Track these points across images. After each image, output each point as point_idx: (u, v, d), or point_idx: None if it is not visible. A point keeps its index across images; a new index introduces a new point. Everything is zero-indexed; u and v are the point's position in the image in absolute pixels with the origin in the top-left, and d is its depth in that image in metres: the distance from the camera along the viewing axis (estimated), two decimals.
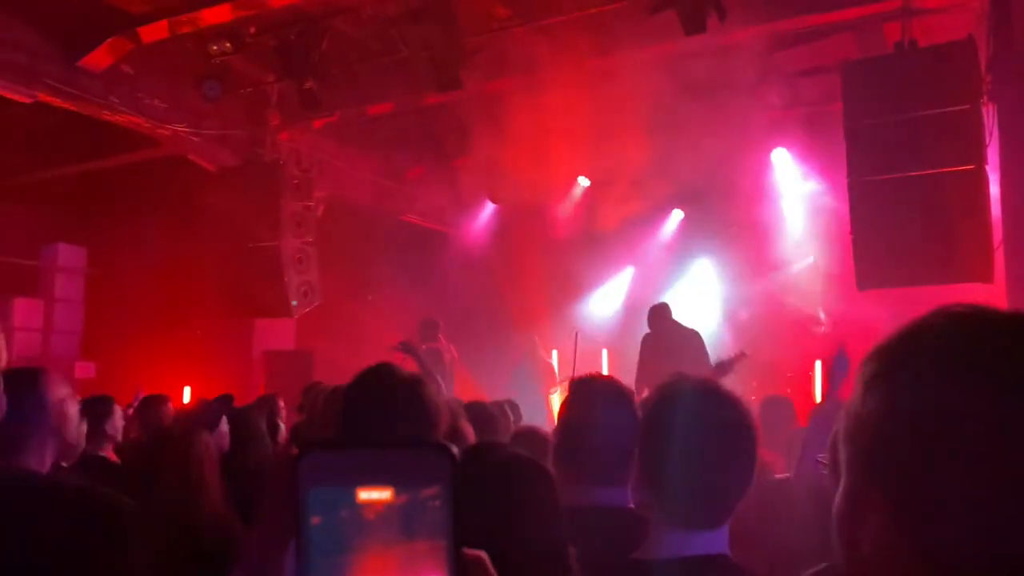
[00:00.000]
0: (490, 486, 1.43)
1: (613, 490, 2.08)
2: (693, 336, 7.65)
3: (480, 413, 3.51)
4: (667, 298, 9.93)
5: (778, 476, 3.32)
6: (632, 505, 2.07)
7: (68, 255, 10.89)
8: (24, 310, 10.31)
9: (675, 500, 1.64)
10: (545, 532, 1.45)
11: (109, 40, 7.05)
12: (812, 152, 9.13)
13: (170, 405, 5.21)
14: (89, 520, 1.35)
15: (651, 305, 7.96)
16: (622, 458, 2.00)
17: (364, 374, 2.11)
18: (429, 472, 0.65)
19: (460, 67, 7.20)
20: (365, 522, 0.64)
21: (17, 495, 1.36)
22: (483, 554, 0.75)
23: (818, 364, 8.75)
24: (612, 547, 1.72)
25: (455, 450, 0.66)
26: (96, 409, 3.67)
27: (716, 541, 1.63)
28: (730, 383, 7.61)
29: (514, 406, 5.25)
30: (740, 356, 7.69)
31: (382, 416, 1.98)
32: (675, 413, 1.69)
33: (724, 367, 7.56)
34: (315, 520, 0.65)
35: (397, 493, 0.64)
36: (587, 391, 2.27)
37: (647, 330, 7.81)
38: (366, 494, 0.64)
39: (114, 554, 1.34)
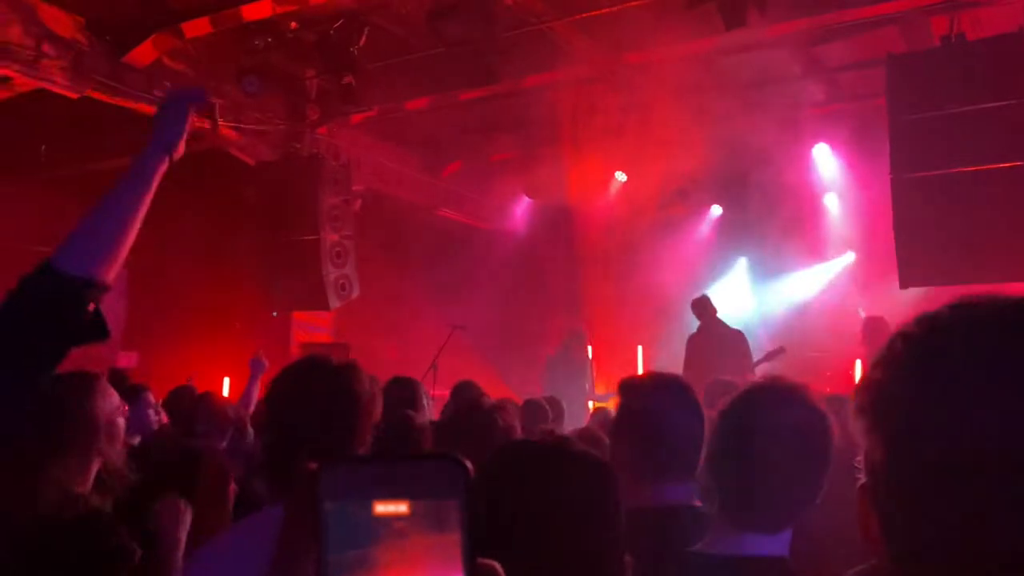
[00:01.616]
0: (530, 481, 1.40)
1: (679, 487, 2.06)
2: (738, 337, 7.85)
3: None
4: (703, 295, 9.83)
5: None
6: (699, 502, 2.06)
7: None
8: None
9: (740, 503, 1.63)
10: (595, 531, 1.41)
11: (153, 36, 7.17)
12: (854, 148, 8.98)
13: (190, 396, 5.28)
14: None
15: (694, 298, 8.16)
16: (689, 454, 2.00)
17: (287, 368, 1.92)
18: (445, 485, 0.66)
19: (497, 62, 7.20)
20: (382, 535, 0.66)
21: None
22: (496, 565, 0.76)
23: (858, 363, 8.61)
24: (676, 544, 1.71)
25: (470, 464, 0.67)
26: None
27: (776, 544, 1.61)
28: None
29: (554, 402, 5.23)
30: (779, 351, 7.78)
31: (299, 411, 1.80)
32: (751, 415, 1.66)
33: (762, 361, 7.68)
34: (334, 533, 0.66)
35: (413, 506, 0.66)
36: (649, 387, 2.21)
37: (692, 324, 7.97)
38: (383, 507, 0.65)
39: None
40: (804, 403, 1.66)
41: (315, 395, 1.79)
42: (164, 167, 1.59)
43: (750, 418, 1.66)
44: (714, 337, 7.81)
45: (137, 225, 1.52)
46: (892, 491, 0.77)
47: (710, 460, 1.72)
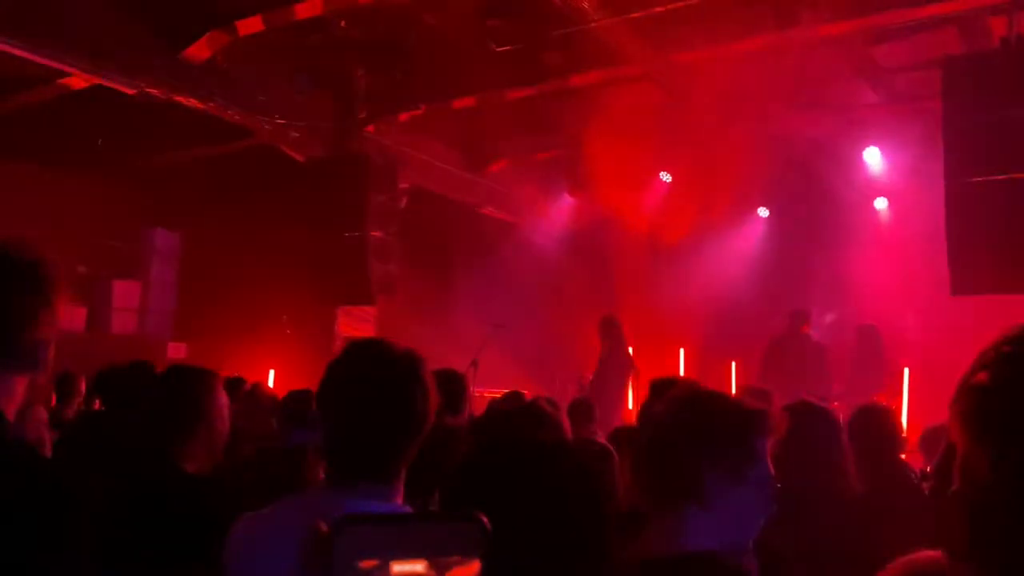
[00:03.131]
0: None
1: None
2: (818, 352, 8.35)
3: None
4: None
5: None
6: None
7: (164, 240, 11.39)
8: (123, 291, 10.86)
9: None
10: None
11: (208, 33, 7.32)
12: (906, 151, 8.78)
13: (244, 388, 5.41)
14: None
15: (794, 309, 8.68)
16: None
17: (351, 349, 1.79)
18: (462, 544, 0.65)
19: (544, 61, 7.21)
20: None
21: None
22: None
23: (906, 371, 8.45)
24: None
25: (487, 522, 0.66)
26: None
27: (687, 538, 1.58)
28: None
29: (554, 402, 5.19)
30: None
31: (365, 400, 1.69)
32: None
33: (834, 399, 7.92)
34: None
35: (430, 566, 0.65)
36: (666, 393, 2.22)
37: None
38: (400, 567, 0.65)
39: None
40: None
41: (383, 386, 1.70)
42: None
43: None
44: (796, 344, 8.30)
45: None
46: (997, 500, 0.75)
47: None
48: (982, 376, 0.76)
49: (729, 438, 1.62)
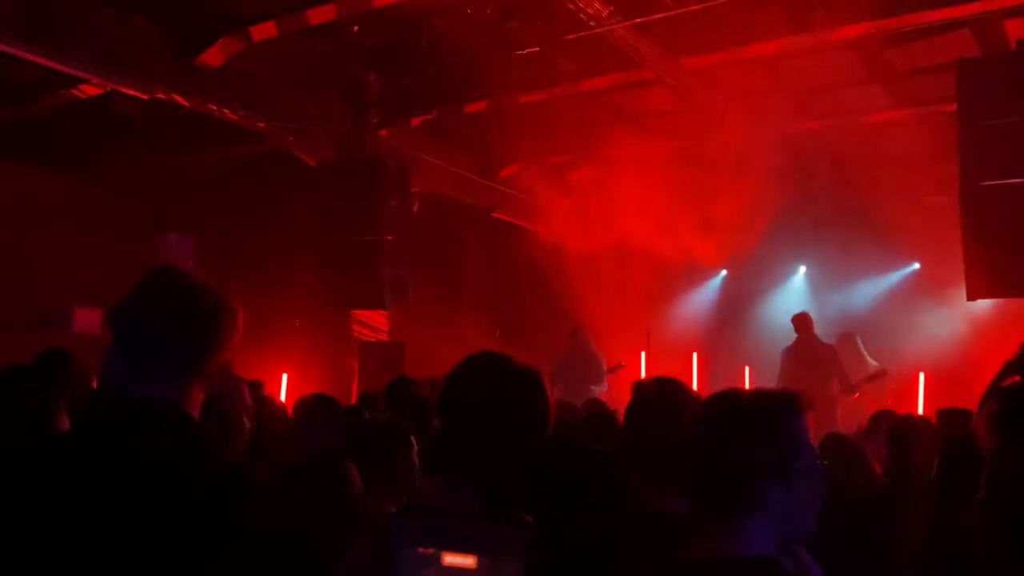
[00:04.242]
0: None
1: (680, 494, 2.06)
2: (830, 351, 8.40)
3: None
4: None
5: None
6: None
7: (178, 244, 11.44)
8: None
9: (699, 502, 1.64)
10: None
11: (222, 39, 7.36)
12: (920, 155, 8.73)
13: (262, 392, 5.46)
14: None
15: (796, 313, 8.75)
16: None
17: (467, 362, 1.85)
18: (510, 544, 0.67)
19: (557, 65, 7.21)
20: None
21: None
22: None
23: (921, 375, 8.40)
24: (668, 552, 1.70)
25: (535, 525, 0.68)
26: None
27: (745, 543, 1.56)
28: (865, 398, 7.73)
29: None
30: (881, 373, 8.09)
31: (484, 409, 1.72)
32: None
33: (864, 383, 7.97)
34: None
35: (480, 561, 0.67)
36: (653, 393, 2.22)
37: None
38: (451, 559, 0.67)
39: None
40: (749, 401, 1.66)
41: (502, 396, 1.74)
42: None
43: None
44: (808, 349, 8.36)
45: None
46: None
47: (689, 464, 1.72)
48: (1015, 379, 0.76)
49: (771, 435, 1.60)
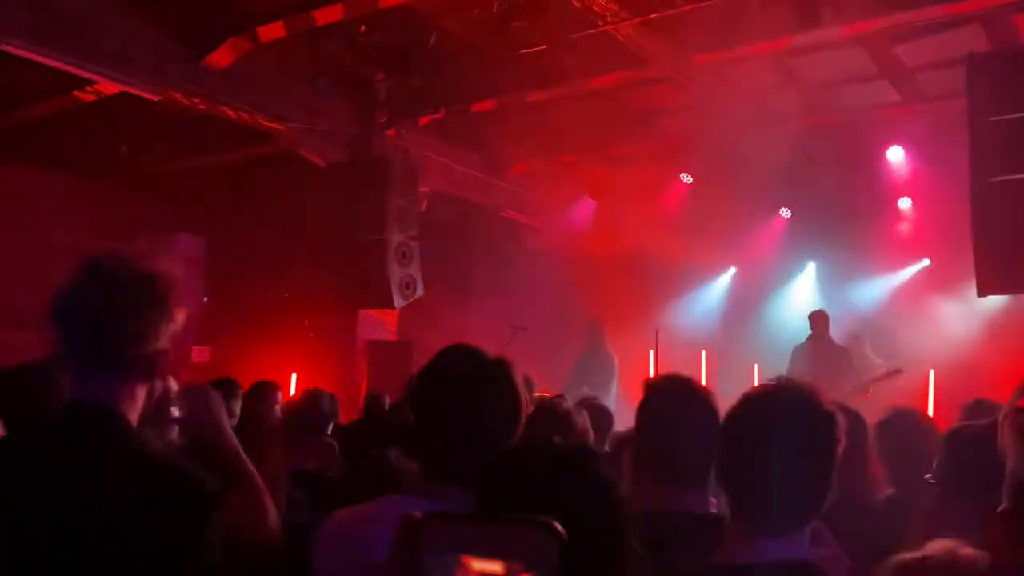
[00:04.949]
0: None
1: (694, 494, 2.04)
2: (842, 352, 8.30)
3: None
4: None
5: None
6: (714, 509, 2.03)
7: (189, 245, 11.48)
8: None
9: (747, 506, 1.61)
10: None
11: (230, 40, 7.39)
12: (931, 151, 8.69)
13: (278, 393, 5.47)
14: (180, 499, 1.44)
15: (814, 310, 8.66)
16: (703, 461, 1.96)
17: (437, 356, 1.86)
18: (538, 551, 0.68)
19: (565, 63, 7.20)
20: None
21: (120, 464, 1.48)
22: None
23: (931, 372, 8.36)
24: (693, 553, 1.69)
25: (563, 532, 0.68)
26: (223, 390, 3.87)
27: (791, 547, 1.58)
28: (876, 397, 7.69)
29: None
30: (895, 371, 7.95)
31: (459, 399, 1.75)
32: (753, 418, 1.64)
33: (878, 380, 7.86)
34: None
35: (507, 568, 0.67)
36: (665, 391, 2.20)
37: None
38: (479, 565, 0.68)
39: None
40: (805, 402, 1.63)
41: (476, 382, 1.76)
42: None
43: (749, 419, 1.64)
44: (820, 349, 8.26)
45: None
46: None
47: (719, 463, 1.70)
48: None
49: (800, 438, 1.60)
